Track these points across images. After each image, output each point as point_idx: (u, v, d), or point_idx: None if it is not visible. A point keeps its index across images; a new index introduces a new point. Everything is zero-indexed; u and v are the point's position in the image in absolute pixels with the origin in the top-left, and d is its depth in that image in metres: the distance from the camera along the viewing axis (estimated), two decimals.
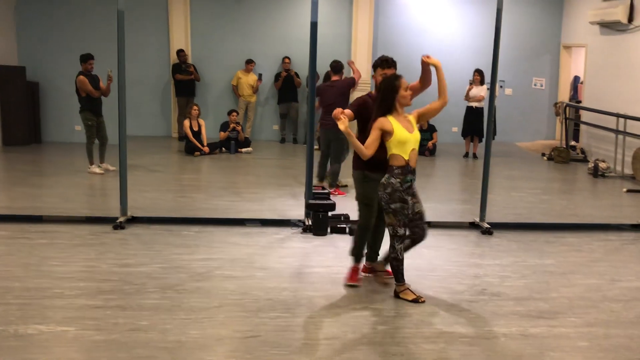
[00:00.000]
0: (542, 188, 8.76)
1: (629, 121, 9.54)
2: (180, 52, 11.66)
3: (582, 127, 11.67)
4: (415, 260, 4.79)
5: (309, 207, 5.93)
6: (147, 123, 11.90)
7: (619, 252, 5.68)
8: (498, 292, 4.45)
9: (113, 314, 3.86)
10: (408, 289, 4.26)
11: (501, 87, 12.48)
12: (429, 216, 4.60)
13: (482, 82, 10.80)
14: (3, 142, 10.73)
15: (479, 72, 10.83)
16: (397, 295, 4.26)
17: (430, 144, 10.97)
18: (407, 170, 4.13)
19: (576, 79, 13.20)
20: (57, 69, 11.15)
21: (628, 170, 9.51)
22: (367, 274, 4.70)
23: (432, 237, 4.96)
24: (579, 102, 12.09)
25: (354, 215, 6.23)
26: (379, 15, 12.26)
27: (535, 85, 12.91)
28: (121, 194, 6.04)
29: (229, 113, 10.94)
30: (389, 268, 4.49)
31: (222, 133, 10.73)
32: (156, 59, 11.94)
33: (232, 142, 10.71)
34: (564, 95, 12.82)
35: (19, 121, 10.84)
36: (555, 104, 11.96)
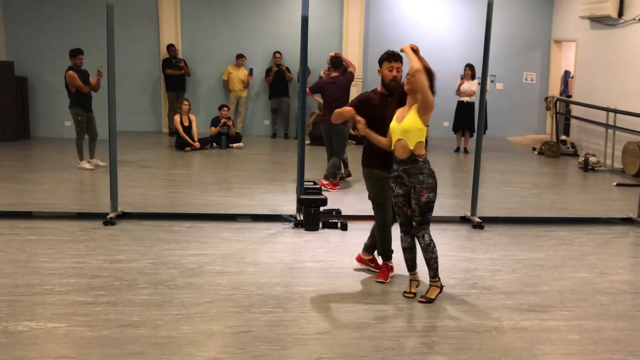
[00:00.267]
0: (533, 182, 8.80)
1: (618, 115, 9.60)
2: (170, 47, 11.60)
3: (573, 121, 11.73)
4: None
5: (300, 202, 5.92)
6: (137, 118, 11.84)
7: (608, 245, 5.72)
8: (489, 286, 4.46)
9: (104, 310, 3.84)
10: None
11: (492, 81, 12.51)
12: None
13: (473, 77, 10.83)
14: None
15: (470, 67, 10.85)
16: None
17: None
18: (393, 161, 4.14)
19: (567, 73, 13.26)
20: (46, 64, 11.07)
21: (618, 164, 9.57)
22: (361, 265, 4.75)
23: None
24: (570, 96, 12.15)
25: (345, 210, 6.27)
26: (370, 10, 12.24)
27: (526, 79, 12.95)
28: (111, 190, 6.01)
29: (220, 108, 10.90)
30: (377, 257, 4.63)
31: (213, 128, 10.70)
32: (146, 53, 11.88)
33: (223, 137, 10.67)
34: (555, 90, 12.87)
35: (8, 117, 10.76)
36: (546, 98, 12.01)
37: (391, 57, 4.38)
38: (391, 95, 4.35)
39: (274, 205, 6.64)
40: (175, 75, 11.59)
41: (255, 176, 8.54)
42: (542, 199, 7.69)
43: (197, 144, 10.29)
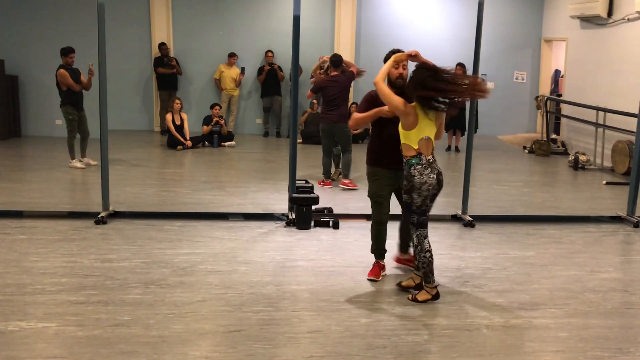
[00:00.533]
0: (524, 181, 8.85)
1: (608, 114, 9.65)
2: (162, 46, 11.57)
3: (563, 120, 11.80)
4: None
5: (292, 201, 5.93)
6: (128, 117, 11.79)
7: (598, 243, 5.76)
8: (480, 284, 4.49)
9: (95, 310, 3.83)
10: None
11: (483, 80, 12.54)
12: None
13: None
14: None
15: (461, 66, 10.87)
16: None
17: None
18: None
19: (557, 72, 13.33)
20: (37, 62, 10.99)
21: (607, 163, 9.63)
22: (400, 264, 4.78)
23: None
24: (560, 95, 12.21)
25: (337, 209, 6.29)
26: (361, 9, 12.26)
27: (516, 78, 13.01)
28: (103, 189, 5.99)
29: (212, 107, 10.89)
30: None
31: (205, 127, 10.68)
32: (138, 52, 11.83)
33: (215, 136, 10.66)
34: (545, 89, 12.94)
35: None
36: (537, 97, 12.07)
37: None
38: (399, 93, 4.32)
39: (265, 204, 6.64)
40: (167, 74, 11.55)
41: (247, 175, 8.53)
42: (532, 198, 7.74)
43: (189, 143, 10.27)
